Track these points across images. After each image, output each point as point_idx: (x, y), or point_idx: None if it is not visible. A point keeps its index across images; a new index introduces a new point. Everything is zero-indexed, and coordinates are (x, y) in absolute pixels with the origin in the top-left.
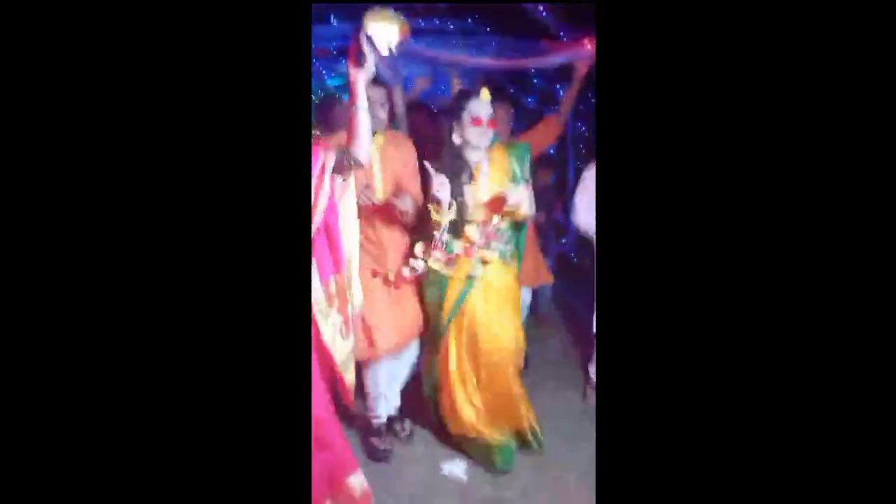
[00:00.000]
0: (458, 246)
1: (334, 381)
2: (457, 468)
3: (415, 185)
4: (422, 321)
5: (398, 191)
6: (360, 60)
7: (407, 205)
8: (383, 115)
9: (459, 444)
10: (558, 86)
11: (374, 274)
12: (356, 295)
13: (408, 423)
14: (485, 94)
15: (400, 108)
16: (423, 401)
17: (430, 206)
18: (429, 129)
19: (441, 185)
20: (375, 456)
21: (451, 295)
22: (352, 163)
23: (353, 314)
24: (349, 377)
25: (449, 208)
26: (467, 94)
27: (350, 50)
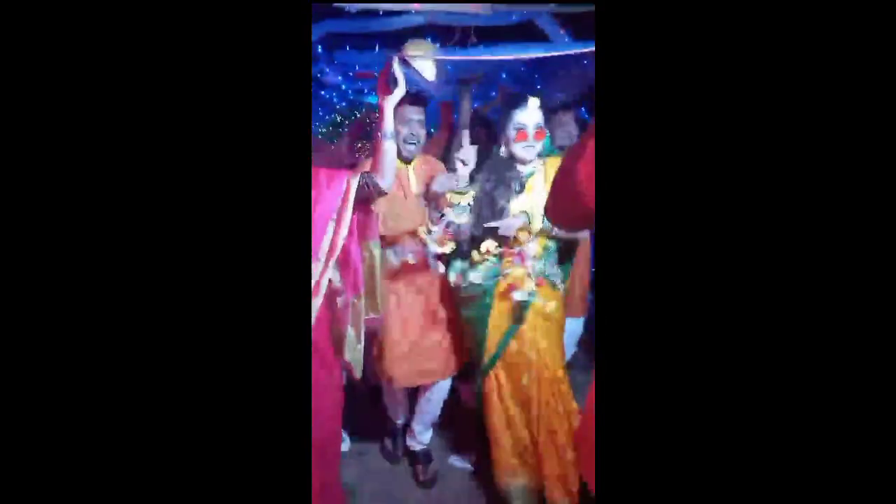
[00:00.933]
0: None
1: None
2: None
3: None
4: (453, 363)
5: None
6: (389, 86)
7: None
8: (421, 134)
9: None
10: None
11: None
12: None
13: (432, 468)
14: (533, 102)
15: (465, 119)
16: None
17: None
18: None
19: (467, 155)
20: (386, 455)
21: (494, 332)
22: (373, 190)
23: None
24: (358, 367)
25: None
26: (514, 101)
27: (379, 76)
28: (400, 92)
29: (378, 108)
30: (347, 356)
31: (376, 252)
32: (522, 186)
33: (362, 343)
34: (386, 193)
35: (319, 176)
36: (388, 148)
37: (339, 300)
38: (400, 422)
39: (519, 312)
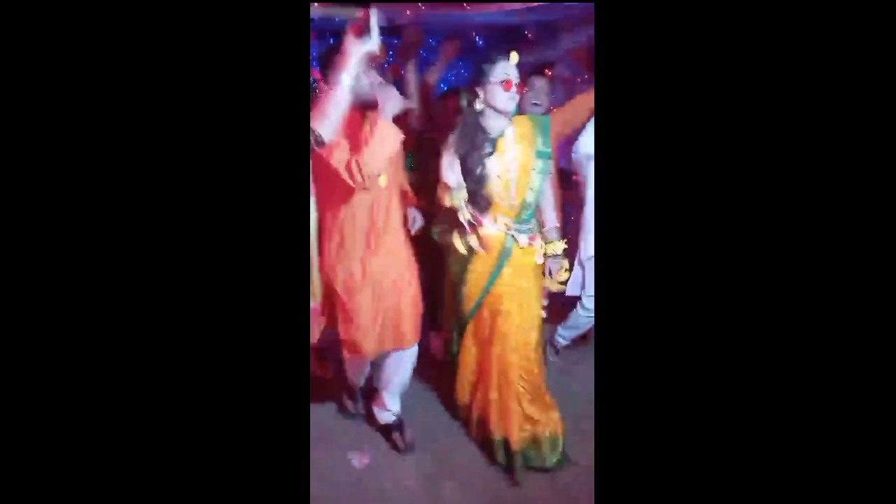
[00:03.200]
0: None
1: None
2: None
3: (398, 173)
4: (420, 326)
5: (410, 206)
6: (363, 32)
7: (417, 224)
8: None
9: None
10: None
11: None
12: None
13: (409, 434)
14: (514, 56)
15: (412, 86)
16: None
17: (442, 193)
18: (441, 109)
19: (449, 167)
20: (345, 413)
21: (476, 279)
22: (315, 139)
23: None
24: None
25: (459, 189)
26: (494, 57)
27: (355, 21)
28: (371, 46)
29: (342, 53)
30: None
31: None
32: (493, 148)
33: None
34: (324, 144)
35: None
36: (341, 95)
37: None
38: (361, 384)
39: (501, 260)
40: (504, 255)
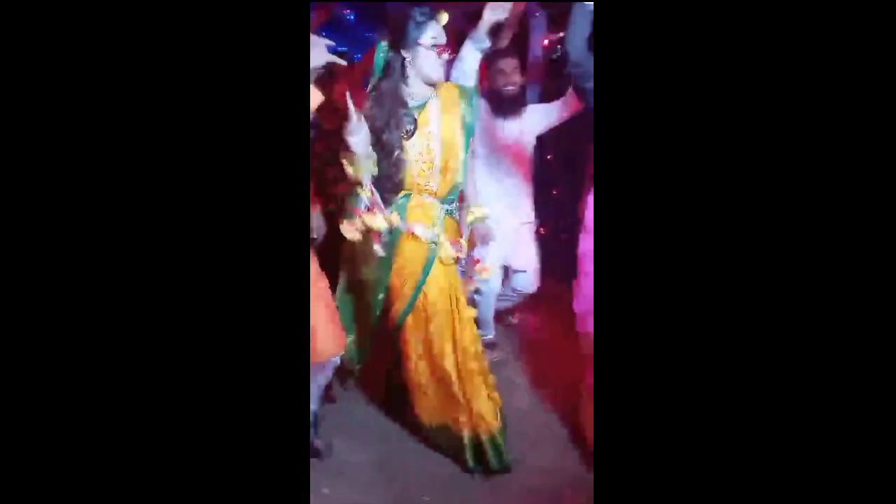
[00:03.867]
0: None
1: None
2: None
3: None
4: (341, 338)
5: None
6: None
7: (321, 232)
8: None
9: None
10: None
11: None
12: None
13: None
14: (443, 17)
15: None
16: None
17: (344, 160)
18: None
19: (354, 130)
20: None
21: (402, 283)
22: None
23: None
24: None
25: (367, 158)
26: (422, 20)
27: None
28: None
29: None
30: None
31: None
32: (415, 124)
33: None
34: None
35: None
36: None
37: None
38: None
39: (428, 264)
40: (431, 250)
